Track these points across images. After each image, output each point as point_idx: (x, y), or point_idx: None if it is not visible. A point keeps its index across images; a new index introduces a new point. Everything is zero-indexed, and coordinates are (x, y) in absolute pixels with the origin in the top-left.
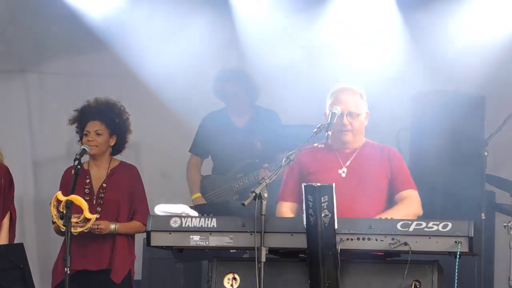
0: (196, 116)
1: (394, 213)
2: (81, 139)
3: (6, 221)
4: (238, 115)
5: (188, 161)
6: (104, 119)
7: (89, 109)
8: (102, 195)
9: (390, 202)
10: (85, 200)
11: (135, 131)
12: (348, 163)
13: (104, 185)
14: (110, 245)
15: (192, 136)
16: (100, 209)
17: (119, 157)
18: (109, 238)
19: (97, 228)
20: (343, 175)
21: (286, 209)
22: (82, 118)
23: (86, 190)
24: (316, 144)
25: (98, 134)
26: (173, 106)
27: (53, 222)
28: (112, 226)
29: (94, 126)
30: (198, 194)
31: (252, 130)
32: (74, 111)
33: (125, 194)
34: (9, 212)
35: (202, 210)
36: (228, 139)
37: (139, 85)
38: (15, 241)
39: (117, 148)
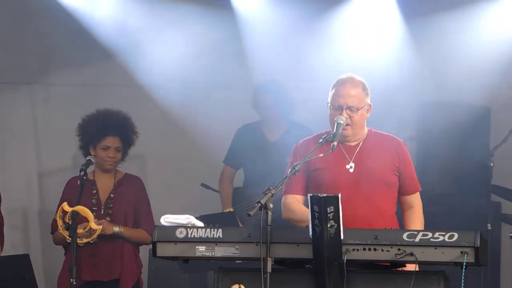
0: (202, 127)
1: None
2: (86, 145)
3: None
4: (272, 129)
5: (221, 172)
6: (123, 137)
7: (109, 122)
8: (111, 205)
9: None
10: (93, 210)
11: (140, 142)
12: (354, 157)
13: (112, 195)
14: (120, 255)
15: (197, 147)
16: (109, 219)
17: (123, 168)
18: (118, 247)
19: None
20: (351, 170)
21: (293, 200)
22: (100, 130)
23: (93, 201)
24: (321, 155)
25: (118, 150)
26: (179, 116)
27: (52, 232)
28: (116, 229)
29: (114, 143)
30: (231, 209)
31: (284, 146)
32: (87, 116)
33: (132, 206)
34: None
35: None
36: (260, 153)
37: (145, 96)
38: (14, 249)
39: (120, 160)
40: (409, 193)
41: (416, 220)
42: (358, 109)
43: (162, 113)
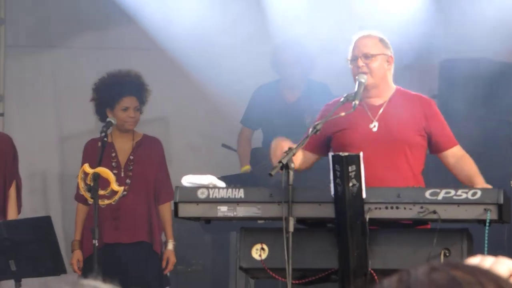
0: (223, 89)
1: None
2: (102, 109)
3: (12, 190)
4: (290, 89)
5: (239, 132)
6: (139, 96)
7: (124, 83)
8: (131, 168)
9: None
10: (113, 173)
11: (163, 105)
12: (378, 116)
13: (131, 157)
14: (146, 217)
15: (219, 109)
16: (129, 181)
17: (143, 130)
18: (144, 210)
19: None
20: (374, 129)
21: (298, 154)
22: (117, 91)
23: (113, 164)
24: (343, 114)
25: (137, 110)
26: (201, 79)
27: (77, 199)
28: (170, 247)
29: (133, 102)
30: (248, 167)
31: (303, 106)
32: (99, 80)
33: (152, 169)
34: (14, 182)
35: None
36: (279, 113)
37: (167, 59)
38: (32, 213)
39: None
40: (447, 148)
41: (472, 165)
42: (373, 56)
43: (184, 75)
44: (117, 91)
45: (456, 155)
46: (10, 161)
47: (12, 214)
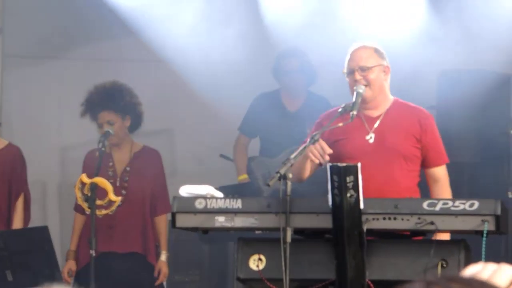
0: (228, 102)
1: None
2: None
3: (20, 203)
4: (291, 98)
5: (236, 139)
6: (110, 106)
7: (93, 101)
8: (127, 178)
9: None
10: (109, 182)
11: (168, 118)
12: (375, 127)
13: (128, 168)
14: (140, 228)
15: (224, 121)
16: (125, 192)
17: (144, 141)
18: (139, 221)
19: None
20: (371, 140)
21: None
22: (91, 111)
23: (110, 173)
24: (341, 124)
25: (111, 124)
26: (206, 91)
27: (76, 209)
28: (163, 259)
29: (104, 117)
30: (245, 176)
31: (304, 116)
32: (81, 105)
33: (149, 180)
34: (22, 194)
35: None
36: (278, 122)
37: (171, 72)
38: (30, 223)
39: (134, 125)
40: (432, 165)
41: (444, 194)
42: (369, 68)
43: (189, 88)
44: (92, 111)
45: (436, 177)
46: (18, 173)
47: (16, 226)
